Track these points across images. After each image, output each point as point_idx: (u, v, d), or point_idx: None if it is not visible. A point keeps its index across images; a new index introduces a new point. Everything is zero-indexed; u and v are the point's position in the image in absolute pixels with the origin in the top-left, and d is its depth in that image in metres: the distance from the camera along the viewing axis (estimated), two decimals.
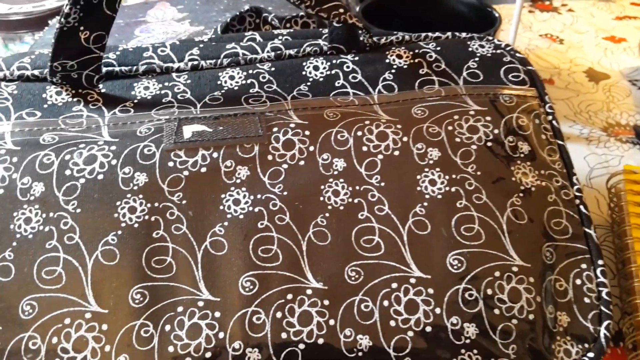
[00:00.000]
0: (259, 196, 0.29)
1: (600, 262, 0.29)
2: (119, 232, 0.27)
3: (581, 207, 0.31)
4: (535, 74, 0.34)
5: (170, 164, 0.29)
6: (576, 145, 0.54)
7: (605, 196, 0.47)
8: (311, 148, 0.30)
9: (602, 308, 0.29)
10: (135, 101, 0.32)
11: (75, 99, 0.32)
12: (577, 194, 0.31)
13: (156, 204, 0.28)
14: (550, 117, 0.33)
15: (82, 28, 0.30)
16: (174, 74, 0.34)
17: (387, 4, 0.58)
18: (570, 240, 0.30)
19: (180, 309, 0.27)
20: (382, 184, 0.29)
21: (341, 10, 0.33)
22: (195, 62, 0.34)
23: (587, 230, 0.30)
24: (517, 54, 0.35)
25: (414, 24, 0.60)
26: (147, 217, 0.28)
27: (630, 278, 0.35)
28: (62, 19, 0.30)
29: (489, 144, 0.31)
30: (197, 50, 0.35)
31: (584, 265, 0.29)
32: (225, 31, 0.40)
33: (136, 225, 0.28)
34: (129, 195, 0.28)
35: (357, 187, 0.29)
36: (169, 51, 0.35)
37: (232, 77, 0.33)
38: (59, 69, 0.32)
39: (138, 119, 0.31)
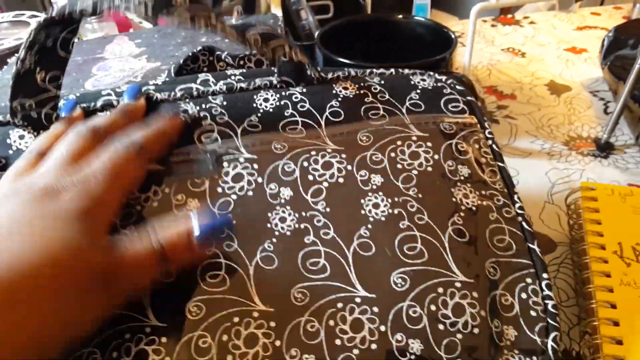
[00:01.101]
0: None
1: (545, 275, 0.31)
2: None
3: (524, 223, 0.32)
4: (475, 103, 0.36)
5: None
6: (538, 161, 0.56)
7: (565, 211, 0.49)
8: (259, 179, 0.31)
9: (549, 320, 0.30)
10: None
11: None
12: (519, 211, 0.33)
13: (303, 214, 0.31)
14: (490, 142, 0.35)
15: (38, 69, 0.32)
16: None
17: (347, 29, 0.60)
18: (514, 256, 0.31)
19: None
20: (328, 209, 0.31)
21: (286, 49, 0.34)
22: (150, 95, 0.36)
23: (530, 245, 0.32)
24: (458, 86, 0.37)
25: (374, 48, 0.62)
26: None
27: (589, 299, 0.36)
28: (19, 63, 0.32)
29: (430, 168, 0.33)
30: (152, 86, 0.36)
31: (529, 280, 0.31)
32: (179, 71, 0.42)
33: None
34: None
35: (304, 214, 0.31)
36: (123, 89, 0.36)
37: (185, 111, 0.35)
38: (18, 109, 0.33)
39: None
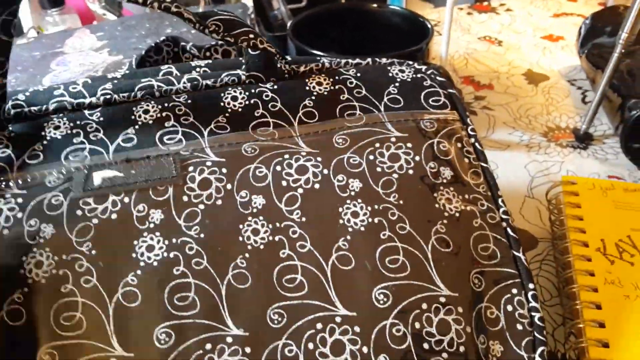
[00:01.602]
0: (174, 240, 0.27)
1: (531, 285, 0.29)
2: (25, 290, 0.26)
3: (508, 229, 0.31)
4: (456, 97, 0.34)
5: (79, 212, 0.28)
6: (516, 153, 0.55)
7: (545, 205, 0.47)
8: (228, 186, 0.29)
9: (536, 334, 0.29)
10: (45, 142, 0.30)
11: None
12: (504, 216, 0.31)
13: (64, 257, 0.27)
14: (472, 140, 0.33)
15: None
16: (86, 111, 0.32)
17: (320, 18, 0.58)
18: (498, 265, 0.30)
19: None
20: (303, 219, 0.29)
21: (251, 36, 0.32)
22: (108, 97, 0.33)
23: (516, 253, 0.30)
24: (438, 77, 0.35)
25: (348, 38, 0.59)
26: (54, 271, 0.26)
27: (574, 299, 0.35)
28: None
29: (411, 171, 0.30)
30: (110, 85, 0.33)
31: (514, 291, 0.29)
32: (141, 63, 0.39)
33: (43, 280, 0.26)
34: (35, 249, 0.27)
35: (278, 224, 0.28)
36: (80, 88, 0.33)
37: (146, 111, 0.32)
38: None
39: (47, 169, 0.29)
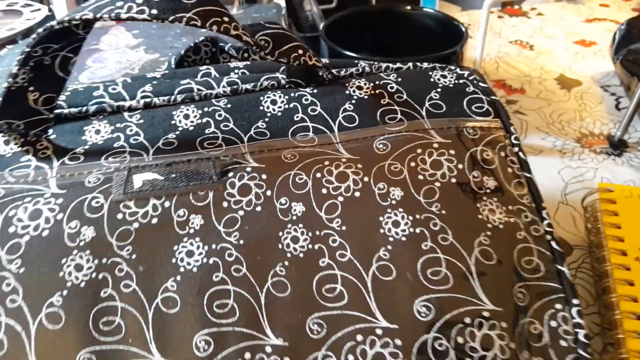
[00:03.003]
0: (214, 246, 0.27)
1: (575, 301, 0.28)
2: (64, 293, 0.26)
3: (552, 243, 0.30)
4: (499, 104, 0.33)
5: (119, 215, 0.27)
6: (550, 159, 0.54)
7: (580, 213, 0.47)
8: (268, 192, 0.29)
9: (580, 351, 0.28)
10: (86, 147, 0.30)
11: (24, 148, 0.30)
12: (548, 229, 0.30)
13: (104, 260, 0.26)
14: (516, 149, 0.32)
15: (31, 89, 0.29)
16: (125, 114, 0.32)
17: (353, 20, 0.57)
18: (542, 279, 0.29)
19: None
20: (344, 227, 0.28)
21: (300, 52, 0.31)
22: (148, 100, 0.33)
23: (559, 267, 0.29)
24: (481, 84, 0.34)
25: (380, 40, 0.59)
26: (94, 274, 0.26)
27: (613, 309, 0.34)
28: (10, 79, 0.29)
29: (453, 180, 0.30)
30: (149, 86, 0.33)
31: (558, 306, 0.28)
32: (179, 63, 0.39)
33: (82, 284, 0.26)
34: (75, 252, 0.27)
35: (317, 233, 0.28)
36: (120, 89, 0.33)
37: (186, 116, 0.32)
38: (3, 128, 0.30)
39: (87, 169, 0.29)
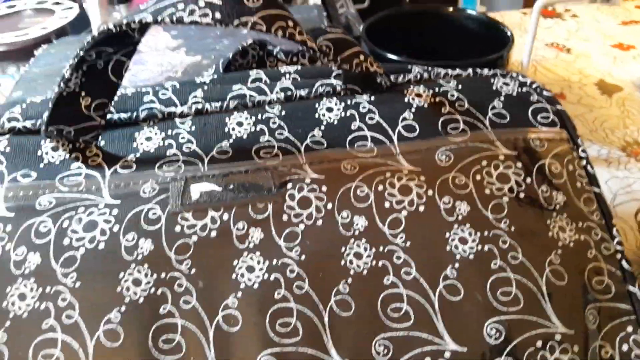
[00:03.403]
0: (274, 262, 0.26)
1: None
2: (123, 309, 0.25)
3: (623, 262, 0.28)
4: (565, 114, 0.32)
5: (177, 228, 0.26)
6: (596, 169, 0.52)
7: (632, 227, 0.45)
8: (329, 205, 0.27)
9: None
10: (138, 155, 0.29)
11: (73, 155, 0.29)
12: (618, 247, 0.29)
13: (163, 275, 0.25)
14: (584, 162, 0.31)
15: (83, 94, 0.28)
16: (177, 120, 0.31)
17: (393, 21, 0.56)
18: (613, 300, 0.28)
19: None
20: (408, 243, 0.27)
21: (361, 58, 0.30)
22: (200, 106, 0.32)
23: (630, 288, 0.28)
24: (545, 92, 0.33)
25: (420, 42, 0.57)
26: (153, 290, 0.25)
27: None
28: (62, 84, 0.28)
29: (522, 195, 0.29)
30: (200, 92, 0.32)
31: (629, 329, 0.27)
32: (227, 67, 0.38)
33: (141, 300, 0.25)
34: (133, 266, 0.26)
35: (381, 249, 0.27)
36: (170, 94, 0.32)
37: (240, 124, 0.30)
38: (54, 133, 0.29)
39: (141, 178, 0.28)
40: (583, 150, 0.31)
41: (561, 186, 0.29)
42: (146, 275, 0.25)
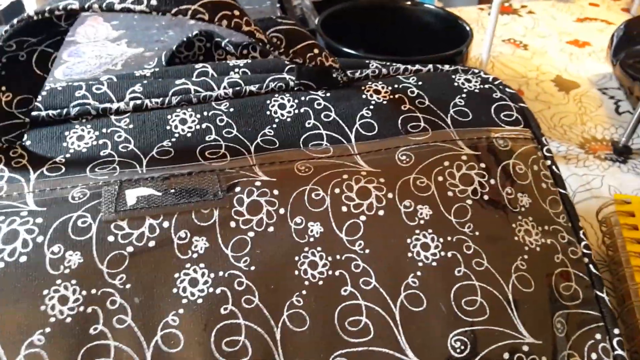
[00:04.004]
0: (221, 273, 0.24)
1: (616, 330, 0.26)
2: (47, 330, 0.22)
3: (590, 266, 0.27)
4: (529, 112, 0.30)
5: (111, 238, 0.24)
6: None
7: (592, 224, 0.44)
8: (281, 210, 0.25)
9: None
10: (68, 155, 0.26)
11: None
12: (585, 251, 0.28)
13: (93, 291, 0.23)
14: (549, 162, 0.29)
15: (3, 89, 0.25)
16: (113, 117, 0.28)
17: (349, 14, 0.54)
18: (581, 306, 0.26)
19: None
20: (367, 251, 0.25)
21: (316, 51, 0.28)
22: (139, 102, 0.29)
23: (598, 293, 0.27)
24: (508, 89, 0.31)
25: (377, 35, 0.56)
26: (82, 308, 0.22)
27: (638, 334, 0.32)
28: None
29: (486, 197, 0.27)
30: (139, 86, 0.29)
31: (598, 336, 0.26)
32: (170, 60, 0.35)
33: (69, 319, 0.22)
34: (59, 281, 0.23)
35: (338, 257, 0.25)
36: (105, 89, 0.29)
37: (183, 121, 0.28)
38: None
39: (70, 182, 0.25)
40: (548, 150, 0.30)
41: (526, 188, 0.28)
42: (74, 291, 0.23)
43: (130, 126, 0.28)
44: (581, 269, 0.27)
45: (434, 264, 0.25)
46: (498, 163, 0.28)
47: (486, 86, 0.31)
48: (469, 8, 0.86)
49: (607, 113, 0.60)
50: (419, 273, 0.25)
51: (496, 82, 0.31)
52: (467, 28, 0.49)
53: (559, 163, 0.52)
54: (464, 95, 0.30)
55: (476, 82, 0.31)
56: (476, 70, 0.32)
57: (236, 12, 0.24)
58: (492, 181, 0.27)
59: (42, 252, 0.23)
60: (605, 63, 0.69)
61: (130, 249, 0.23)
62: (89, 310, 0.22)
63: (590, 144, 0.55)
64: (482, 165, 0.28)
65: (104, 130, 0.27)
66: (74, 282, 0.23)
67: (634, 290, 0.34)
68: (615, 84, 0.65)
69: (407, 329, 0.24)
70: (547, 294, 0.26)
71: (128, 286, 0.23)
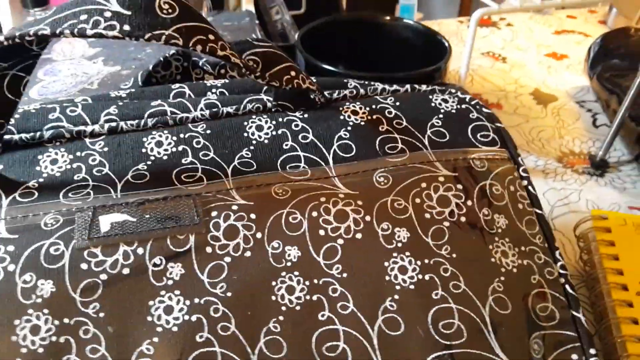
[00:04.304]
0: (196, 300, 0.23)
1: (592, 351, 0.26)
2: None
3: (567, 286, 0.27)
4: (505, 132, 0.31)
5: (84, 266, 0.23)
6: (534, 180, 0.52)
7: (570, 239, 0.45)
8: (258, 235, 0.25)
9: None
10: (41, 180, 0.26)
11: None
12: (562, 271, 0.28)
13: (66, 320, 0.22)
14: (525, 182, 0.30)
15: None
16: (87, 140, 0.28)
17: (329, 29, 0.54)
18: (557, 327, 0.26)
19: None
20: (345, 274, 0.25)
21: (293, 74, 0.28)
22: (114, 124, 0.28)
23: (575, 314, 0.27)
24: (484, 109, 0.31)
25: (357, 51, 0.56)
26: (54, 338, 0.22)
27: (622, 352, 0.32)
28: None
29: (463, 219, 0.27)
30: (115, 108, 0.29)
31: (574, 357, 0.26)
32: (147, 80, 0.35)
33: (41, 350, 0.22)
34: (30, 311, 0.22)
35: (316, 281, 0.25)
36: (80, 111, 0.29)
37: (159, 144, 0.28)
38: None
39: (43, 208, 0.25)
40: (524, 170, 0.30)
41: (502, 209, 0.28)
42: (46, 321, 0.22)
43: (105, 149, 0.27)
44: (557, 289, 0.27)
45: (412, 287, 0.25)
46: (475, 184, 0.28)
47: (463, 106, 0.31)
48: (448, 20, 0.86)
49: (584, 126, 0.61)
50: (396, 296, 0.25)
51: (473, 102, 0.31)
52: (446, 44, 0.50)
53: (537, 177, 0.52)
54: (441, 116, 0.30)
55: (453, 102, 0.31)
56: (453, 90, 0.32)
57: (211, 37, 0.24)
58: (469, 202, 0.27)
59: (13, 280, 0.23)
60: (583, 76, 0.69)
61: (103, 276, 0.23)
62: (62, 340, 0.22)
63: (568, 158, 0.55)
64: (459, 186, 0.28)
65: (78, 154, 0.27)
66: (46, 311, 0.22)
67: (611, 307, 0.35)
68: (593, 97, 0.66)
69: (385, 354, 0.24)
70: (524, 316, 0.26)
71: (102, 315, 0.23)
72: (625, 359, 0.31)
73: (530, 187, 0.29)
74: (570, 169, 0.54)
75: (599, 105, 0.64)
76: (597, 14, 0.89)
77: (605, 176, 0.53)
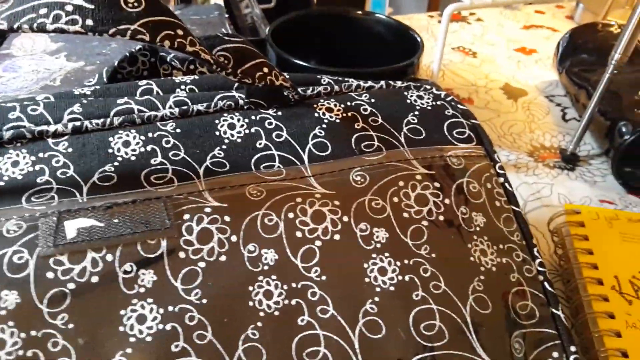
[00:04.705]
0: (170, 308, 0.22)
1: (572, 348, 0.26)
2: None
3: (545, 283, 0.27)
4: (481, 129, 0.30)
5: (50, 274, 0.22)
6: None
7: (544, 234, 0.45)
8: (233, 238, 0.24)
9: None
10: (1, 183, 0.24)
11: None
12: (540, 268, 0.28)
13: (33, 333, 0.21)
14: (502, 179, 0.29)
15: None
16: (50, 140, 0.26)
17: (300, 24, 0.53)
18: (537, 325, 0.26)
19: None
20: (324, 277, 0.24)
21: (265, 70, 0.27)
22: (78, 123, 0.27)
23: (554, 311, 0.27)
24: (459, 106, 0.31)
25: (329, 46, 0.55)
26: (21, 352, 0.21)
27: (599, 346, 0.32)
28: None
29: (441, 217, 0.27)
30: (78, 107, 0.28)
31: (555, 354, 0.26)
32: (112, 76, 0.33)
33: None
34: None
35: (294, 285, 0.24)
36: (42, 110, 0.27)
37: (126, 144, 0.26)
38: None
39: (4, 214, 0.23)
40: (500, 167, 0.30)
41: (480, 206, 0.28)
42: (12, 334, 0.21)
43: (69, 150, 0.26)
44: (536, 287, 0.27)
45: (392, 288, 0.24)
46: (452, 182, 0.28)
47: (438, 102, 0.31)
48: (419, 15, 0.86)
49: (554, 120, 0.61)
50: (377, 299, 0.24)
51: (448, 99, 0.31)
52: (418, 39, 0.49)
53: (510, 172, 0.53)
54: (416, 113, 0.30)
55: (428, 98, 0.31)
56: (428, 86, 0.32)
57: (179, 32, 0.23)
58: (447, 201, 0.27)
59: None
60: (552, 70, 0.70)
61: (71, 285, 0.22)
62: (29, 354, 0.21)
63: (539, 152, 0.56)
64: (437, 184, 0.27)
65: (40, 155, 0.26)
66: (11, 323, 0.21)
67: (587, 302, 0.35)
68: (562, 92, 0.66)
69: (367, 358, 0.23)
70: (504, 315, 0.26)
71: (71, 326, 0.21)
72: (602, 353, 0.31)
73: (506, 184, 0.29)
74: (541, 163, 0.54)
75: (568, 99, 0.65)
76: (564, 9, 0.90)
77: (575, 170, 0.54)
